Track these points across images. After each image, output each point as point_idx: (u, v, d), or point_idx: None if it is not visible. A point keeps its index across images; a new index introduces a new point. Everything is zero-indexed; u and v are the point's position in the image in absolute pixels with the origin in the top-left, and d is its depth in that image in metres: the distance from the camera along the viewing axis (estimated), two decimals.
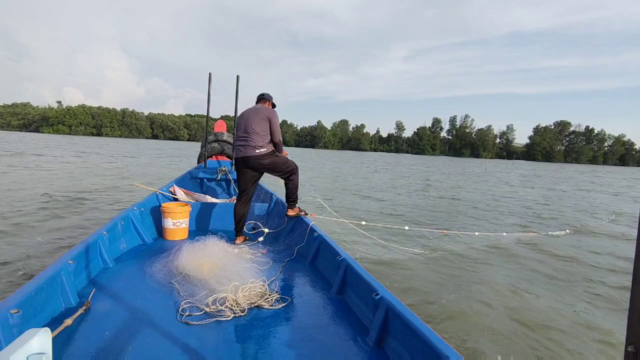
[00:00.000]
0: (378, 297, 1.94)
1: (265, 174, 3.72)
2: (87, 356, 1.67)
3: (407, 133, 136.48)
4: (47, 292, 1.93)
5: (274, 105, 3.85)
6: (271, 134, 3.58)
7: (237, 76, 5.23)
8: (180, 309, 2.12)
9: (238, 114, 3.93)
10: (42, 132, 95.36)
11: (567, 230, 7.40)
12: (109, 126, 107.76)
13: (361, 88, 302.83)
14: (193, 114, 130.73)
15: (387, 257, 4.74)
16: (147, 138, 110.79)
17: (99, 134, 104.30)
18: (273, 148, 3.62)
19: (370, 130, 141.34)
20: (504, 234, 6.27)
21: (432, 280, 4.14)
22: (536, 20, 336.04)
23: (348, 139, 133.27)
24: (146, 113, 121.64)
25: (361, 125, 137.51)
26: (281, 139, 3.70)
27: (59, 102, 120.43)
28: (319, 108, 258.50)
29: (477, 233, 5.93)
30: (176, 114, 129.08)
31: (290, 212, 3.77)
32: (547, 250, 5.79)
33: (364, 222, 4.55)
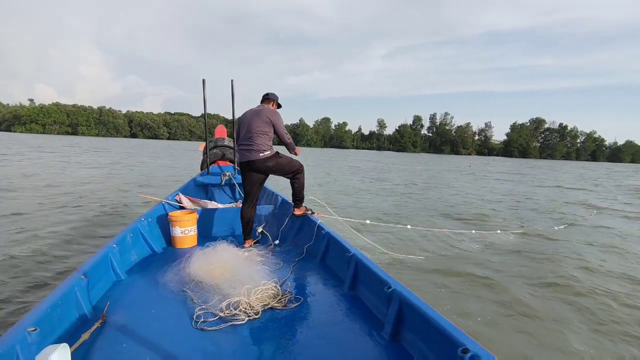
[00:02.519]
0: (390, 290, 1.96)
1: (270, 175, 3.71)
2: None
3: (389, 130, 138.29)
4: (63, 308, 1.95)
5: (279, 106, 3.80)
6: (279, 137, 3.59)
7: (232, 80, 5.19)
8: (194, 316, 2.14)
9: (238, 117, 3.84)
10: (15, 132, 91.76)
11: (562, 226, 7.68)
12: (85, 125, 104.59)
13: (343, 86, 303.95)
14: (173, 112, 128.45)
15: (391, 257, 4.85)
16: (126, 137, 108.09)
17: (74, 133, 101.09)
18: (276, 151, 3.61)
19: (352, 128, 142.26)
20: (498, 231, 6.42)
21: (437, 282, 4.21)
22: (512, 21, 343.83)
23: (330, 136, 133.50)
24: (124, 111, 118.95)
25: (343, 123, 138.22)
26: (291, 140, 3.68)
27: (31, 100, 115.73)
28: (301, 106, 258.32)
29: (473, 231, 6.08)
30: (155, 112, 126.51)
31: (297, 212, 3.79)
32: (536, 247, 6.02)
33: (368, 221, 4.57)
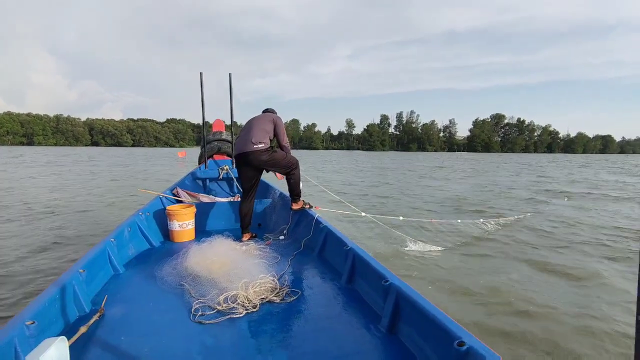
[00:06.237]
0: (387, 283, 1.95)
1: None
2: None
3: (357, 130, 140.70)
4: (61, 302, 1.95)
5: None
6: (277, 137, 3.71)
7: (230, 74, 5.23)
8: (192, 310, 2.14)
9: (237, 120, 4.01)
10: None
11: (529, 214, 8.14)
12: (41, 134, 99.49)
13: (309, 87, 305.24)
14: (136, 119, 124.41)
15: (387, 247, 5.06)
16: (87, 145, 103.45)
17: (29, 143, 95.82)
18: (271, 145, 3.68)
19: (322, 128, 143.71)
20: (481, 220, 6.63)
21: (432, 271, 4.35)
22: (467, 20, 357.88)
23: (300, 138, 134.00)
24: (83, 119, 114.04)
25: (312, 124, 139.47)
26: (288, 145, 3.78)
27: None
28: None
29: (459, 220, 6.27)
30: (116, 119, 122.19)
31: (295, 206, 3.82)
32: (525, 231, 6.47)
33: (363, 214, 4.65)
